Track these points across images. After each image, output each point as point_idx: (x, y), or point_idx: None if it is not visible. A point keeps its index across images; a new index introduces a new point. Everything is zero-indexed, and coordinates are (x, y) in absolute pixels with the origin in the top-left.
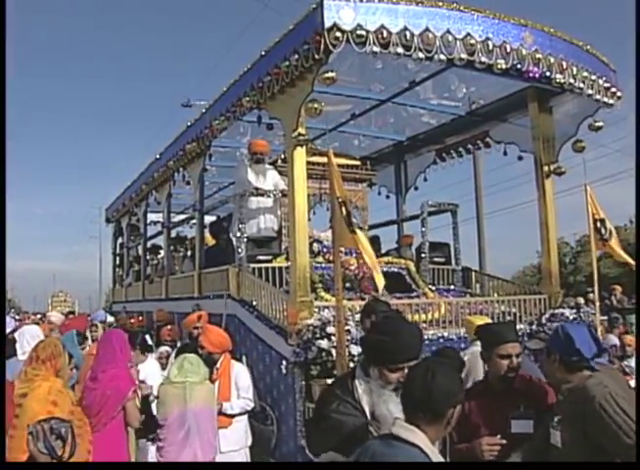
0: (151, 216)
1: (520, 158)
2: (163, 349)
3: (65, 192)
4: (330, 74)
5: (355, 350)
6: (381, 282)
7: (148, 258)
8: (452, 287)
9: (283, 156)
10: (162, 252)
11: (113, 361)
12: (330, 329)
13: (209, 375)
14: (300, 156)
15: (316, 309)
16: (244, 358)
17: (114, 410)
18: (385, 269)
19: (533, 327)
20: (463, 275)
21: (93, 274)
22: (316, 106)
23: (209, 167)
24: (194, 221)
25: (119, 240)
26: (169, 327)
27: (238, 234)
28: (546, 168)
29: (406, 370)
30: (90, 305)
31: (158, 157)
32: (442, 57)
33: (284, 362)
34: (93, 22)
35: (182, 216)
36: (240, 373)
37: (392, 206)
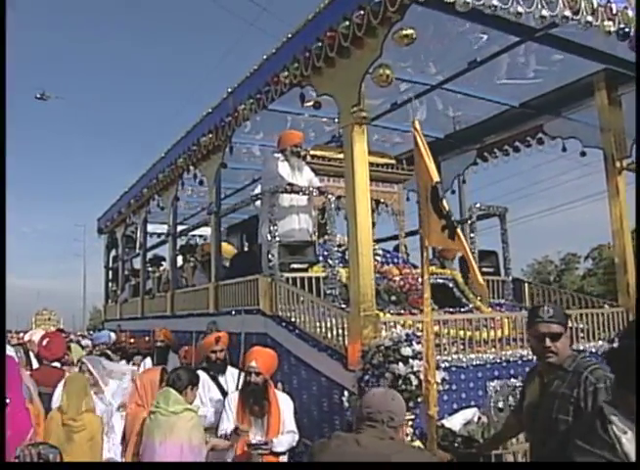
0: (148, 227)
1: (583, 153)
2: None
3: (51, 210)
4: (408, 31)
5: (438, 376)
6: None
7: (149, 270)
8: (503, 301)
9: (312, 151)
10: (165, 263)
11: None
12: (405, 350)
13: (261, 408)
14: (361, 137)
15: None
16: (279, 385)
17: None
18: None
19: (614, 345)
20: (514, 287)
21: (77, 292)
22: (385, 71)
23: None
24: (197, 233)
25: (113, 252)
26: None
27: (268, 237)
28: (618, 165)
29: None
30: (74, 324)
31: (163, 155)
32: (545, 13)
33: (345, 393)
34: (83, 35)
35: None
36: (288, 404)
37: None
